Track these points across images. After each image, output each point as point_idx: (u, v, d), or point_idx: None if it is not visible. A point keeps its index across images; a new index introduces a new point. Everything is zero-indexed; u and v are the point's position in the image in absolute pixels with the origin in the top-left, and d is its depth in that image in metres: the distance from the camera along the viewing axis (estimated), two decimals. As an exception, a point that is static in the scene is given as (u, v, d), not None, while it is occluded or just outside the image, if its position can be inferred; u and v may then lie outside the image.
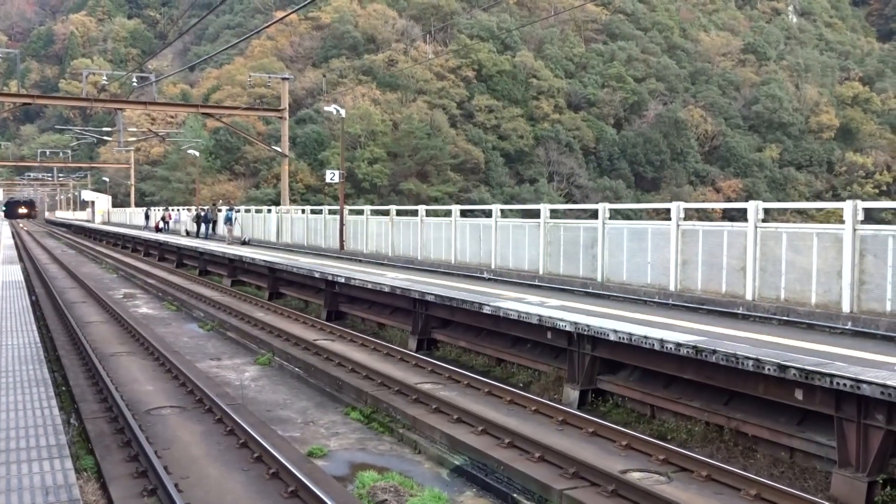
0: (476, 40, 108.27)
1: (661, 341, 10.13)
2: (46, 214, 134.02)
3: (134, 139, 76.93)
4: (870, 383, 7.74)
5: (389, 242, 24.80)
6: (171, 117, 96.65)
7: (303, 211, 34.24)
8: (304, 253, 28.87)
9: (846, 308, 11.12)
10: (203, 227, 42.75)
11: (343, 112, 31.88)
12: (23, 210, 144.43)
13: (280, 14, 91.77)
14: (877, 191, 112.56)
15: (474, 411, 10.57)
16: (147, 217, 58.47)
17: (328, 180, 32.70)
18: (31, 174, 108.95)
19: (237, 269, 28.77)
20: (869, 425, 8.08)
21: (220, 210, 43.14)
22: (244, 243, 35.68)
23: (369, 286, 17.96)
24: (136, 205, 76.77)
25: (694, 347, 9.68)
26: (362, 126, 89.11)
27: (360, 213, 27.83)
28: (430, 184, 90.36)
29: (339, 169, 31.11)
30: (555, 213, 18.00)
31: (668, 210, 14.34)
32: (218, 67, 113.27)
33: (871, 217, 11.65)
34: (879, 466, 8.04)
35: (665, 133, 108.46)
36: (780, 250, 12.19)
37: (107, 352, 15.54)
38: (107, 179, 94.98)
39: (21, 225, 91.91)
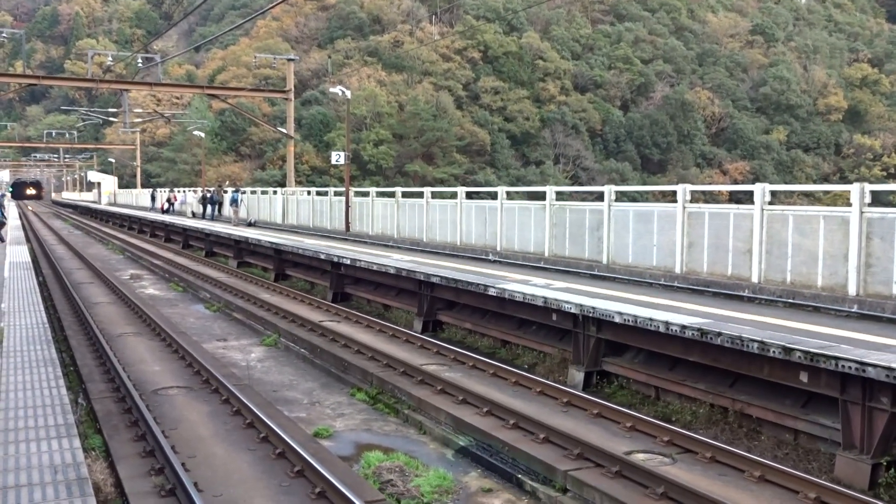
0: (482, 21, 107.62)
1: (667, 323, 10.14)
2: (53, 195, 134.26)
3: (139, 120, 76.93)
4: (875, 366, 7.75)
5: (395, 224, 24.80)
6: (177, 98, 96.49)
7: (308, 192, 34.25)
8: (309, 235, 28.91)
9: (852, 291, 11.10)
10: (209, 208, 42.80)
11: (348, 93, 31.79)
12: (31, 191, 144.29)
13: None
14: (885, 173, 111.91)
15: (479, 392, 10.61)
16: (153, 198, 58.55)
17: (334, 162, 32.65)
18: (38, 155, 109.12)
19: (243, 251, 28.83)
20: (873, 408, 8.10)
21: (225, 191, 43.17)
22: (250, 225, 35.72)
23: (375, 268, 17.99)
24: (143, 186, 76.89)
25: (699, 329, 9.69)
26: (368, 107, 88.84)
27: (366, 194, 27.82)
28: (435, 166, 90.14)
29: (344, 150, 31.06)
30: (560, 196, 17.97)
31: (675, 192, 14.30)
32: (223, 48, 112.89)
33: (878, 200, 11.62)
34: (883, 449, 8.06)
35: (672, 115, 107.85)
36: (787, 233, 12.16)
37: (114, 332, 15.62)
38: (113, 160, 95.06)
39: (30, 208, 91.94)
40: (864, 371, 7.84)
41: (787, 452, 9.01)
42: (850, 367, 7.97)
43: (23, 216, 63.84)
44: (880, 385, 7.94)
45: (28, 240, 35.56)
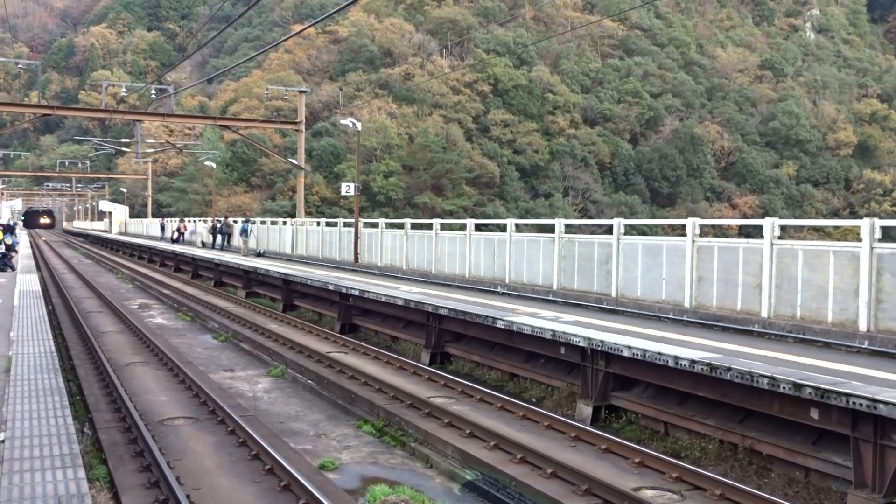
0: (492, 55, 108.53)
1: (676, 358, 10.08)
2: (64, 224, 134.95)
3: (152, 150, 77.53)
4: (887, 403, 7.66)
5: (404, 256, 24.83)
6: (189, 129, 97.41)
7: (318, 223, 34.37)
8: (318, 265, 28.95)
9: (863, 327, 11.03)
10: (219, 238, 42.99)
11: (359, 125, 32.01)
12: (45, 220, 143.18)
13: (298, 27, 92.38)
14: (895, 209, 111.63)
15: (487, 426, 10.54)
16: (163, 228, 58.89)
17: (343, 193, 32.79)
18: (50, 184, 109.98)
19: (252, 281, 28.87)
20: (885, 446, 8.00)
21: (235, 222, 43.37)
22: (259, 255, 35.82)
23: (383, 299, 17.98)
24: (154, 216, 77.34)
25: (709, 364, 9.62)
26: (378, 139, 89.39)
27: (375, 226, 27.90)
28: (445, 197, 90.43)
29: (354, 182, 31.21)
30: (569, 228, 17.97)
31: (684, 226, 14.29)
32: (236, 80, 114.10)
33: (888, 235, 11.58)
34: (896, 488, 7.95)
35: (681, 149, 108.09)
36: (797, 268, 12.12)
37: (121, 362, 15.62)
38: (124, 190, 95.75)
39: (43, 238, 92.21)
40: (875, 408, 7.76)
41: (797, 490, 8.89)
42: (861, 404, 7.89)
43: (34, 245, 64.17)
44: (892, 423, 7.84)
45: (38, 268, 35.73)
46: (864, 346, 10.80)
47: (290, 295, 25.05)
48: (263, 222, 41.79)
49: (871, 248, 11.00)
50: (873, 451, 8.06)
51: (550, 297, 17.28)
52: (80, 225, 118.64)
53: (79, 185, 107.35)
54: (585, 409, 11.90)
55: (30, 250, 48.63)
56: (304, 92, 42.59)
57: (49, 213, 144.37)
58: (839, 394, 8.10)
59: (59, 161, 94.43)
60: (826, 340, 11.35)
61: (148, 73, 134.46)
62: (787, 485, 9.04)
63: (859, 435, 8.21)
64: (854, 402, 7.95)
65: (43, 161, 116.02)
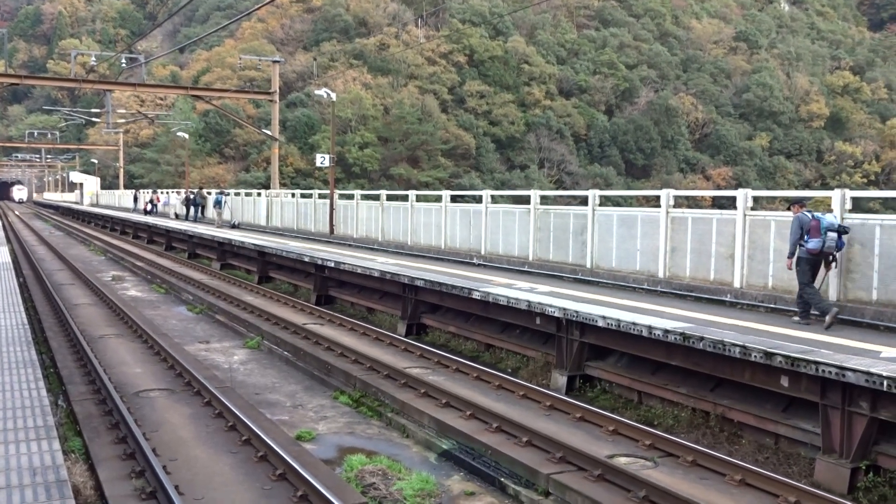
0: (468, 25, 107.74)
1: (649, 328, 10.18)
2: (34, 196, 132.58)
3: (123, 121, 76.39)
4: (854, 371, 7.81)
5: (379, 227, 24.78)
6: (161, 99, 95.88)
7: (293, 195, 34.16)
8: (293, 237, 28.82)
9: (833, 296, 11.19)
10: (192, 210, 42.62)
11: (334, 96, 31.72)
12: (19, 191, 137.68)
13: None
14: (865, 180, 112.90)
15: (462, 396, 10.62)
16: (135, 199, 58.25)
17: (318, 164, 32.58)
18: (19, 155, 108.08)
19: (226, 253, 28.70)
20: (853, 412, 8.17)
21: (209, 193, 42.98)
22: (234, 227, 35.57)
23: (359, 271, 17.96)
24: (125, 187, 76.40)
25: (681, 334, 9.74)
26: (353, 110, 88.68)
27: (351, 197, 27.78)
28: (420, 169, 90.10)
29: (329, 153, 31.00)
30: (545, 200, 18.00)
31: (658, 197, 14.37)
32: (208, 49, 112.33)
33: (858, 206, 11.71)
34: (862, 453, 8.13)
35: (656, 120, 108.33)
36: (769, 238, 12.25)
37: (95, 334, 15.50)
38: (95, 161, 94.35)
39: (16, 212, 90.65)
40: (843, 376, 7.91)
41: (767, 456, 9.07)
42: (829, 372, 8.03)
43: (3, 216, 63.22)
44: (860, 390, 8.01)
45: (8, 240, 35.24)
46: (833, 316, 10.96)
47: (266, 267, 24.95)
48: (238, 194, 41.45)
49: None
50: (841, 417, 8.23)
51: (526, 269, 17.35)
52: (51, 196, 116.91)
53: (48, 156, 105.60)
54: (560, 379, 12.02)
55: (-1, 222, 47.91)
56: (278, 62, 42.06)
57: (20, 184, 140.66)
58: (809, 362, 8.24)
59: (27, 131, 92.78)
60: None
61: (118, 42, 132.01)
62: (757, 451, 9.22)
63: (828, 402, 8.38)
64: (823, 370, 8.10)
65: (11, 131, 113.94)
